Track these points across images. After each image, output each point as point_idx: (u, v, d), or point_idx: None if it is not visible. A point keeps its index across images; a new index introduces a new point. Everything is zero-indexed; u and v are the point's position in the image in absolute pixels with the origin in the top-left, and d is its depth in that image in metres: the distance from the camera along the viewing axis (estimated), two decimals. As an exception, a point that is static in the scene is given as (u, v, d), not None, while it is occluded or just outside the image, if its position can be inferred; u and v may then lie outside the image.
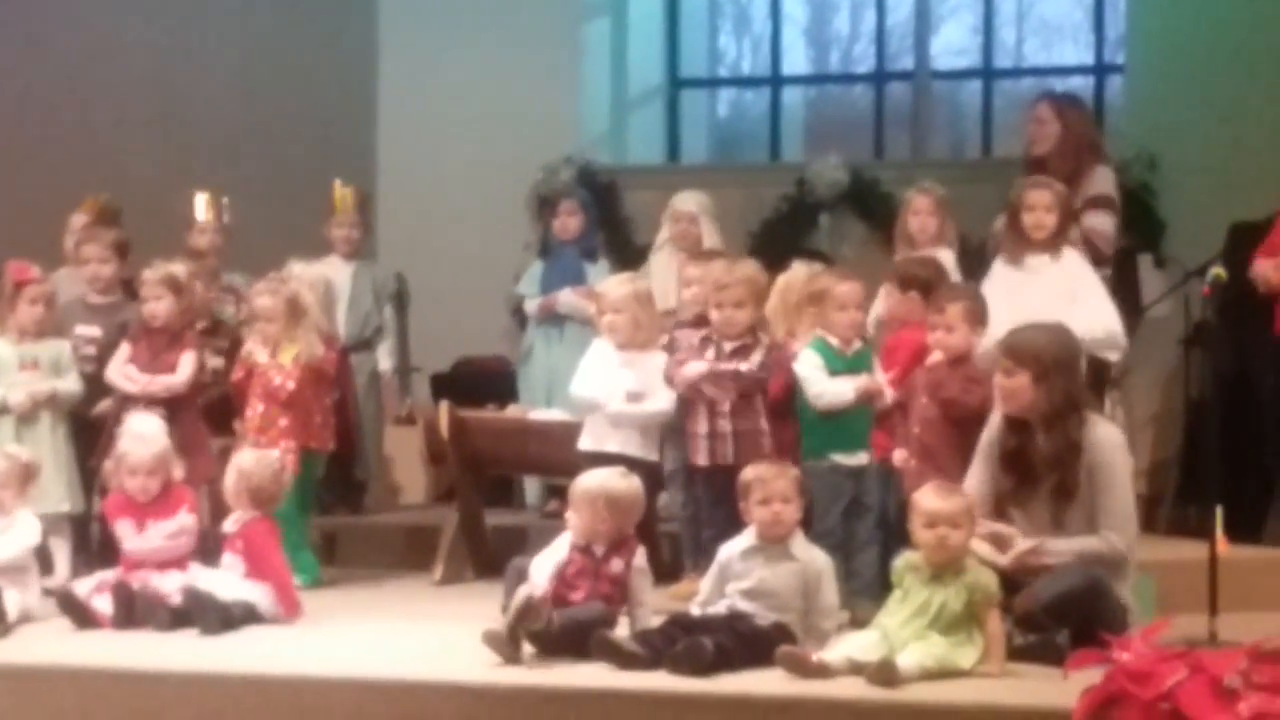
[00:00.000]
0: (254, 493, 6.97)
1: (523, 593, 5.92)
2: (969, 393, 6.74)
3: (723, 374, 7.17)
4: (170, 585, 6.71)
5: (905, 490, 6.60)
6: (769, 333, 7.35)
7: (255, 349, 7.87)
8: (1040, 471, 6.26)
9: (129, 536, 6.99)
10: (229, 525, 6.97)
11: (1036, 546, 6.11)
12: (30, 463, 7.10)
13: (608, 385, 7.41)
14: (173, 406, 7.78)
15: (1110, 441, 6.31)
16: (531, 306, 9.42)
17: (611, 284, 7.73)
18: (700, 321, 7.51)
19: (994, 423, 6.44)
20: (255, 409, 7.82)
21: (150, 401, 7.75)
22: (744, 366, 7.16)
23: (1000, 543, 6.14)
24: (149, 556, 6.90)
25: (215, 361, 8.28)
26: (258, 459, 7.12)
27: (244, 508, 6.96)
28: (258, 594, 6.73)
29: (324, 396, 8.00)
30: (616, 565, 6.12)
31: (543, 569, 6.15)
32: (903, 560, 5.93)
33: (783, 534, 6.03)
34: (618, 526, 6.15)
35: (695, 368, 7.22)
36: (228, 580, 6.75)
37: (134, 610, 6.55)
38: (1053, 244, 7.63)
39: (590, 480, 6.25)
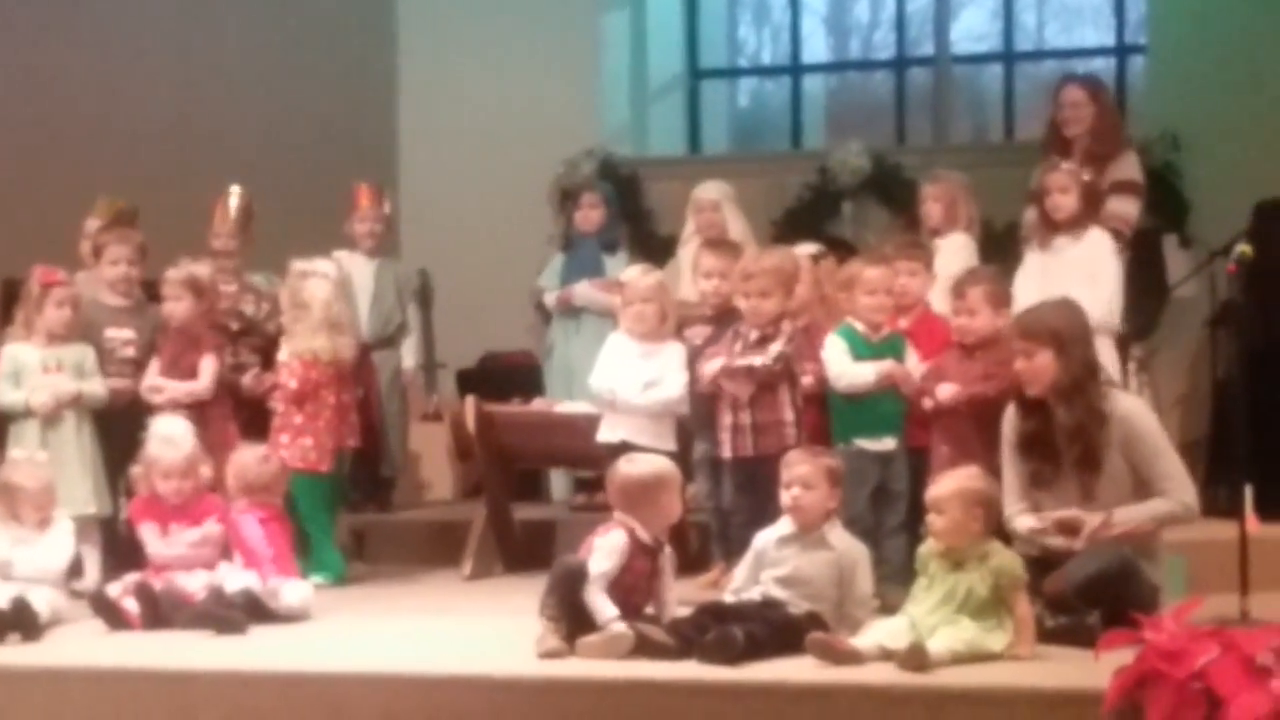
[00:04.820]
0: (237, 478, 7.01)
1: (624, 641, 5.72)
2: (988, 384, 6.75)
3: (737, 370, 7.15)
4: (195, 584, 6.73)
5: (932, 474, 6.60)
6: (796, 320, 7.34)
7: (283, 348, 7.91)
8: (1061, 447, 6.24)
9: (153, 540, 6.98)
10: None
11: (1107, 519, 6.08)
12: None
13: (627, 377, 7.41)
14: (199, 409, 7.78)
15: (1138, 410, 6.36)
16: (550, 299, 9.39)
17: (637, 273, 7.70)
18: (720, 314, 7.50)
19: (1009, 413, 6.43)
20: (276, 408, 7.85)
21: (176, 405, 7.76)
22: (758, 361, 7.12)
23: (1069, 529, 6.11)
24: (173, 562, 6.89)
25: (251, 359, 8.28)
26: (243, 450, 7.23)
27: (241, 499, 7.00)
28: (249, 577, 6.71)
29: (345, 393, 7.99)
30: (665, 556, 6.07)
31: (603, 583, 5.87)
32: (925, 547, 5.92)
33: (806, 521, 5.98)
34: (668, 509, 6.06)
35: (714, 364, 7.22)
36: (235, 575, 6.76)
37: (159, 610, 6.55)
38: (1076, 224, 7.63)
39: (634, 469, 6.09)
